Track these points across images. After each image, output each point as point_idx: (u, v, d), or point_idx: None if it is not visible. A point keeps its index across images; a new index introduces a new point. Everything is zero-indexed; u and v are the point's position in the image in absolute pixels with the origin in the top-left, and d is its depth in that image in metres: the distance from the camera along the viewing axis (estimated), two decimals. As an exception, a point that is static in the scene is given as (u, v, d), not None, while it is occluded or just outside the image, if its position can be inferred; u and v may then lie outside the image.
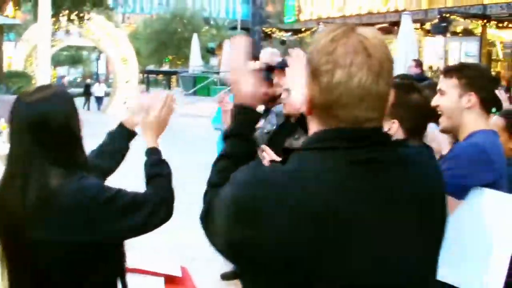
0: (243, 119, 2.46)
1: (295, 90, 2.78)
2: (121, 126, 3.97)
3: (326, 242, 1.89)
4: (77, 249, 2.87)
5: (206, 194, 2.32)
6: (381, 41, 2.01)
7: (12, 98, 15.43)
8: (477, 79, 3.83)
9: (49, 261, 2.89)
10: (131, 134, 4.01)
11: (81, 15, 23.08)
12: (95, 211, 2.87)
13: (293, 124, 5.25)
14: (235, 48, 2.55)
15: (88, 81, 46.50)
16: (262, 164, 2.12)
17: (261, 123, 5.78)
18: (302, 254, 1.89)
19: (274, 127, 5.52)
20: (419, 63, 15.73)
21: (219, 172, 2.36)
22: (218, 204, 2.11)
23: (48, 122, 2.93)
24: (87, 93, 44.77)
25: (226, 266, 8.59)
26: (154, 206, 3.08)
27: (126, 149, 4.01)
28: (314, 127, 2.08)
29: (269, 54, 7.53)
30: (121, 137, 3.96)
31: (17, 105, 3.01)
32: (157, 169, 3.34)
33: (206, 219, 2.22)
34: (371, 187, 1.96)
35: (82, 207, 2.84)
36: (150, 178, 3.31)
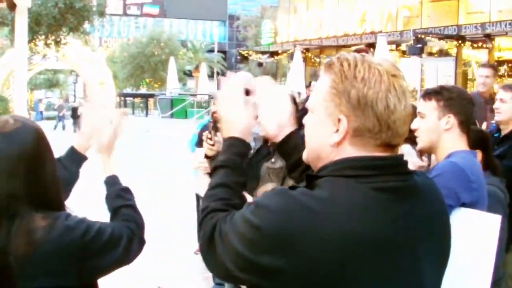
0: (237, 151, 2.45)
1: (266, 119, 2.72)
2: (72, 150, 3.71)
3: (359, 269, 1.92)
4: None
5: (205, 220, 2.26)
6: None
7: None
8: (455, 101, 3.89)
9: None
10: (83, 159, 3.78)
11: (58, 39, 23.04)
12: (82, 252, 2.74)
13: (270, 148, 5.33)
14: (230, 84, 2.56)
15: (76, 104, 46.30)
16: (289, 190, 2.05)
17: None
18: (334, 281, 1.92)
19: (252, 151, 5.53)
20: None
21: (219, 200, 2.31)
22: (231, 231, 2.08)
23: (37, 157, 2.78)
24: (75, 116, 44.54)
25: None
26: (128, 239, 3.02)
27: (77, 177, 3.76)
28: (344, 153, 2.10)
29: (245, 78, 7.54)
30: (72, 163, 3.70)
31: None
32: (121, 200, 3.21)
33: (209, 245, 2.18)
34: (400, 214, 2.01)
35: (70, 250, 2.70)
36: (116, 210, 3.21)
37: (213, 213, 2.24)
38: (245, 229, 2.02)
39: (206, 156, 5.31)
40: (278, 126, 2.68)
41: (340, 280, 1.91)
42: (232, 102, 2.50)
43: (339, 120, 2.07)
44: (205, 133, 5.19)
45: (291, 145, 2.74)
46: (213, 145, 5.18)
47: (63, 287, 2.73)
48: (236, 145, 2.45)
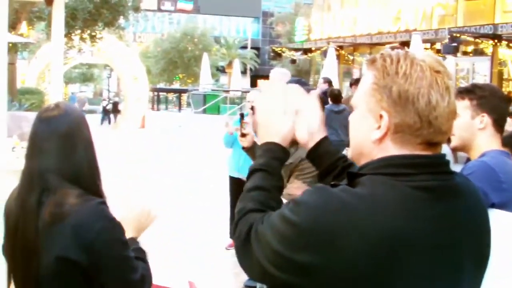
0: (275, 156, 2.40)
1: (297, 126, 2.57)
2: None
3: (397, 267, 1.92)
4: (79, 269, 2.90)
5: (241, 220, 2.24)
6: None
7: (24, 114, 15.44)
8: (489, 100, 3.82)
9: (55, 279, 2.93)
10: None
11: (93, 34, 23.17)
12: (102, 234, 2.91)
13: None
14: (271, 89, 2.53)
15: (117, 99, 46.54)
16: (329, 187, 2.04)
17: None
18: (371, 278, 1.91)
19: None
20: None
21: (255, 201, 2.28)
22: (268, 229, 2.06)
23: (74, 138, 3.05)
24: (116, 111, 44.74)
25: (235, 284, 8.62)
26: (140, 271, 3.07)
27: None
28: (386, 150, 2.09)
29: (280, 75, 7.59)
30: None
31: (38, 122, 3.09)
32: (138, 253, 3.21)
33: (245, 245, 2.16)
34: (439, 214, 2.00)
35: (93, 229, 2.88)
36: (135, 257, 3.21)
37: (250, 214, 2.22)
38: (283, 227, 2.00)
39: (243, 148, 5.37)
40: (308, 133, 2.60)
41: (378, 278, 1.91)
42: (272, 107, 2.46)
43: (380, 116, 2.06)
44: (232, 124, 5.22)
45: (322, 152, 2.66)
46: (244, 135, 5.24)
47: (76, 263, 2.88)
48: (274, 150, 2.40)
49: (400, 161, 2.04)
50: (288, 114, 2.45)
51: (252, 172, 2.38)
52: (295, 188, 5.11)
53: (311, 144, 2.63)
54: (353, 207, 1.93)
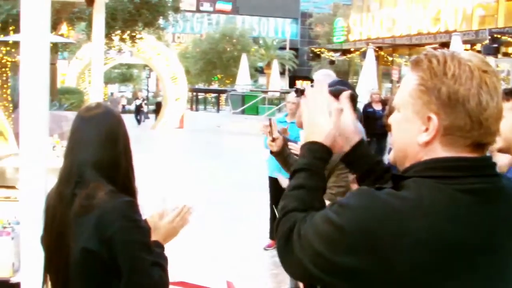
0: (319, 156, 2.37)
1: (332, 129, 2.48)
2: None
3: (442, 271, 1.89)
4: (101, 261, 2.97)
5: (283, 220, 2.22)
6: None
7: (64, 114, 15.57)
8: None
9: (81, 270, 3.01)
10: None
11: (133, 34, 23.30)
12: (121, 233, 2.97)
13: None
14: (317, 90, 2.49)
15: (139, 101, 46.78)
16: (374, 190, 2.02)
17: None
18: (416, 282, 1.90)
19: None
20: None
21: (298, 201, 2.25)
22: (311, 230, 2.05)
23: (116, 135, 3.16)
24: (140, 111, 44.96)
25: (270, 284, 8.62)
26: (156, 275, 3.10)
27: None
28: (433, 152, 2.06)
29: (323, 76, 7.58)
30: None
31: (79, 119, 3.19)
32: (158, 258, 3.21)
33: (287, 244, 2.14)
34: (486, 217, 1.97)
35: (112, 226, 2.95)
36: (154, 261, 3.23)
37: (292, 213, 2.19)
38: (327, 229, 1.99)
39: (271, 152, 5.38)
40: (344, 138, 2.57)
41: (422, 282, 1.90)
42: (317, 108, 2.43)
43: (428, 118, 2.02)
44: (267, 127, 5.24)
45: (359, 155, 2.63)
46: (273, 140, 5.25)
47: (98, 255, 2.96)
48: (318, 149, 2.37)
49: (446, 164, 2.01)
50: (332, 115, 2.42)
51: (295, 171, 2.35)
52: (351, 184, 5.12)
53: (346, 148, 2.60)
54: (398, 210, 1.92)
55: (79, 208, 2.98)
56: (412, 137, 2.08)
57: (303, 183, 2.29)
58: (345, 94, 2.62)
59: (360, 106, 19.87)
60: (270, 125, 5.21)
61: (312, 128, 2.42)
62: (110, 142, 3.12)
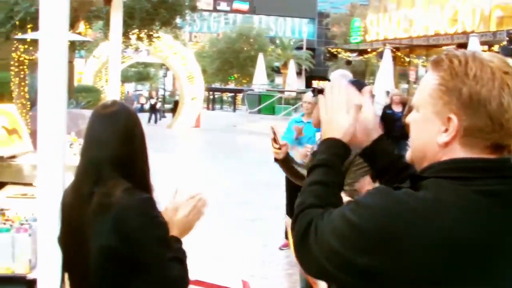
0: (337, 152, 2.37)
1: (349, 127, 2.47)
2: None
3: (460, 273, 1.89)
4: (120, 259, 2.99)
5: (300, 215, 2.19)
6: None
7: (81, 112, 15.62)
8: None
9: (100, 267, 3.02)
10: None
11: (150, 33, 23.30)
12: (140, 230, 2.99)
13: None
14: (336, 88, 2.49)
15: (154, 100, 46.90)
16: (392, 190, 2.01)
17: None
18: (433, 283, 1.89)
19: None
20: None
21: (315, 196, 2.24)
22: (328, 228, 2.04)
23: (132, 133, 3.18)
24: (154, 110, 45.06)
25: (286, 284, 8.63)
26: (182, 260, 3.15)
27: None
28: (452, 153, 2.04)
29: (339, 76, 7.59)
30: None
31: (95, 117, 3.21)
32: (178, 253, 3.22)
33: (303, 240, 2.12)
34: (503, 219, 1.95)
35: (131, 223, 2.97)
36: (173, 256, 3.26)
37: (309, 209, 2.17)
38: (344, 227, 1.98)
39: (275, 160, 5.40)
40: (364, 133, 2.54)
41: (438, 282, 1.89)
42: (336, 105, 2.43)
43: (448, 119, 2.01)
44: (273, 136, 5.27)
45: (379, 150, 2.59)
46: (279, 148, 5.28)
47: (117, 252, 2.98)
48: (336, 146, 2.36)
49: (465, 165, 2.00)
50: (350, 112, 2.42)
51: (313, 167, 2.34)
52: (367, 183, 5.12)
53: (366, 143, 2.57)
54: (416, 211, 1.90)
55: (97, 207, 3.00)
56: (431, 137, 2.07)
57: (321, 179, 2.28)
58: (367, 89, 2.63)
59: (376, 106, 19.86)
60: (274, 133, 5.25)
61: (330, 125, 2.41)
62: (126, 140, 3.14)
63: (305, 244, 2.11)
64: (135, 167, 3.17)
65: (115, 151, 3.10)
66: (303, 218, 2.16)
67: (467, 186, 1.95)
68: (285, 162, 5.39)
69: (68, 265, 3.27)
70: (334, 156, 2.35)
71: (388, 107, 17.76)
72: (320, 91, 2.78)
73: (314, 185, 2.27)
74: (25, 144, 6.85)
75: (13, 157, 7.03)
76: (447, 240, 1.87)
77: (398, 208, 1.93)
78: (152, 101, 46.46)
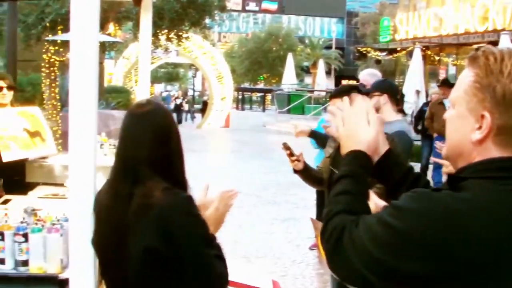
0: (362, 163, 2.34)
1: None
2: None
3: (502, 273, 1.85)
4: (163, 260, 3.00)
5: (330, 223, 2.16)
6: None
7: (111, 112, 15.67)
8: None
9: (142, 269, 3.02)
10: None
11: (180, 34, 23.40)
12: (184, 229, 3.01)
13: None
14: (355, 102, 2.46)
15: (180, 100, 47.14)
16: (432, 192, 1.97)
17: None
18: (478, 283, 1.86)
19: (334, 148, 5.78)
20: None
21: (344, 204, 2.20)
22: (364, 234, 2.00)
23: (167, 132, 3.18)
24: (180, 110, 45.23)
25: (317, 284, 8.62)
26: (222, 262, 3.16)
27: None
28: (486, 152, 2.01)
29: (369, 76, 7.59)
30: None
31: (130, 116, 3.21)
32: (217, 250, 3.23)
33: (336, 247, 2.08)
34: None
35: (175, 223, 2.98)
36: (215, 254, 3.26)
37: (339, 217, 2.14)
38: (385, 233, 1.94)
39: (295, 171, 5.45)
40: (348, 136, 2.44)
41: (484, 283, 1.85)
42: (357, 118, 2.40)
43: (482, 116, 1.98)
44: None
45: (390, 165, 2.52)
46: (297, 160, 5.33)
47: (161, 254, 2.99)
48: (360, 157, 2.33)
49: (502, 164, 1.97)
50: (372, 125, 2.40)
51: (339, 178, 2.31)
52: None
53: (376, 157, 2.48)
54: (459, 212, 1.88)
55: (138, 208, 3.00)
56: (465, 134, 2.04)
57: (349, 189, 2.25)
58: (370, 102, 2.58)
59: (406, 105, 19.78)
60: (288, 148, 5.33)
61: (352, 138, 2.39)
62: (162, 139, 3.14)
63: (340, 252, 2.07)
64: (172, 166, 3.17)
65: (152, 150, 3.10)
66: (334, 225, 2.13)
67: (506, 185, 1.92)
68: (305, 171, 5.44)
69: (105, 267, 3.28)
70: (359, 167, 2.32)
71: (426, 104, 17.69)
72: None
73: (341, 195, 2.24)
74: (48, 147, 6.86)
75: (44, 158, 7.07)
76: (489, 241, 1.84)
77: (441, 210, 1.89)
78: (178, 101, 46.62)
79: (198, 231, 3.05)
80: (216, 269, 3.08)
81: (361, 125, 2.39)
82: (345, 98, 2.51)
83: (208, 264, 3.05)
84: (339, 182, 2.29)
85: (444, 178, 5.29)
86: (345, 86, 6.24)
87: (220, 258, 3.13)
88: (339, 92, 5.77)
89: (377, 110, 5.63)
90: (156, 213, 2.94)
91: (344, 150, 2.41)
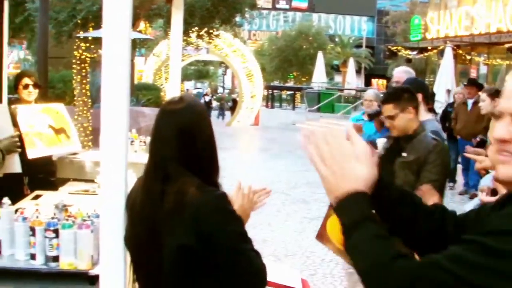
0: (368, 203, 2.05)
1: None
2: None
3: None
4: (198, 258, 2.99)
5: (384, 275, 1.86)
6: None
7: (141, 109, 15.76)
8: None
9: (177, 267, 3.02)
10: None
11: (210, 31, 23.44)
12: (221, 226, 3.00)
13: (400, 143, 5.51)
14: (333, 137, 2.16)
15: (208, 97, 47.35)
16: None
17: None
18: None
19: (383, 149, 5.82)
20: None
21: (386, 249, 1.91)
22: (463, 271, 1.73)
23: (195, 130, 3.15)
24: (208, 107, 45.42)
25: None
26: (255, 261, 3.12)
27: None
28: None
29: (403, 73, 7.58)
30: None
31: (162, 114, 3.21)
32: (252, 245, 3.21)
33: None
34: None
35: (212, 220, 2.97)
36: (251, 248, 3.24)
37: (392, 265, 1.85)
38: (496, 263, 1.70)
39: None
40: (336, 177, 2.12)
41: None
42: (341, 154, 2.12)
43: None
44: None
45: (387, 188, 2.26)
46: None
47: (195, 252, 2.98)
48: (364, 197, 2.05)
49: None
50: (365, 159, 2.12)
51: (354, 227, 2.01)
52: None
53: (370, 190, 2.13)
54: None
55: (172, 205, 2.99)
56: None
57: (375, 233, 1.97)
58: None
59: (437, 105, 19.65)
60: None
61: (344, 177, 2.08)
62: (190, 136, 3.12)
63: None
64: (202, 164, 3.15)
65: (181, 148, 3.10)
66: (393, 276, 1.85)
67: None
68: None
69: (137, 265, 3.28)
70: (368, 209, 2.05)
71: (450, 105, 17.54)
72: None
73: (373, 241, 1.96)
74: (73, 143, 6.88)
75: (74, 154, 7.11)
76: None
77: None
78: (207, 98, 46.73)
79: (233, 228, 3.04)
80: (255, 264, 3.08)
81: (349, 161, 2.11)
82: (318, 133, 2.21)
83: (247, 259, 3.05)
84: (356, 232, 1.99)
85: (488, 180, 5.20)
86: (397, 89, 6.15)
87: (256, 252, 3.13)
88: (392, 97, 5.70)
89: (393, 117, 5.61)
90: (192, 212, 2.94)
91: (333, 191, 2.10)
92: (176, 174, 3.05)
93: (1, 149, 5.63)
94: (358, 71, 65.62)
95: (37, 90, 7.08)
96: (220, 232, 2.97)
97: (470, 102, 14.75)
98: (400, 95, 5.63)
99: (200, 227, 2.93)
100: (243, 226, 3.12)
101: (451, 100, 18.47)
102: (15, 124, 6.09)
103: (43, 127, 6.46)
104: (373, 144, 6.31)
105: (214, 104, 49.04)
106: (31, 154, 6.12)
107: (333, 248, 3.35)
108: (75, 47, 17.99)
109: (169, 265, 3.00)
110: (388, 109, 5.64)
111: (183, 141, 3.10)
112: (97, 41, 16.73)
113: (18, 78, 7.14)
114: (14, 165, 5.90)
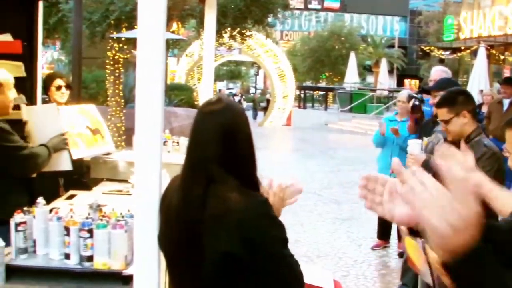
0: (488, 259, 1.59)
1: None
2: None
3: None
4: (241, 265, 2.96)
5: None
6: None
7: (173, 110, 15.77)
8: None
9: (217, 271, 2.98)
10: None
11: (243, 32, 23.42)
12: (265, 232, 2.98)
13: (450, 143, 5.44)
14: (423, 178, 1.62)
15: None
16: None
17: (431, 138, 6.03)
18: None
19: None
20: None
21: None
22: None
23: (235, 130, 3.13)
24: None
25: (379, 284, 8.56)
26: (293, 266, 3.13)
27: None
28: None
29: (441, 72, 7.56)
30: None
31: (201, 115, 3.19)
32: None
33: None
34: None
35: (256, 227, 2.96)
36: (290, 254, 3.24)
37: None
38: None
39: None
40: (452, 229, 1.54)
41: None
42: (437, 195, 1.57)
43: None
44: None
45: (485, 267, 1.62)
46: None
47: (239, 258, 2.95)
48: (483, 249, 1.58)
49: None
50: (464, 195, 1.55)
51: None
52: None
53: (457, 248, 1.57)
54: None
55: (215, 211, 2.95)
56: None
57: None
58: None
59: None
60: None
61: (457, 226, 1.53)
62: (230, 138, 3.10)
63: None
64: (242, 166, 3.13)
65: (220, 150, 3.06)
66: None
67: None
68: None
69: (172, 267, 3.26)
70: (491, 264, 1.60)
71: (479, 106, 17.36)
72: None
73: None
74: (107, 144, 6.91)
75: (108, 154, 7.14)
76: None
77: None
78: (236, 99, 46.82)
79: (277, 234, 3.03)
80: (295, 271, 3.07)
81: (448, 201, 1.55)
82: (405, 172, 1.70)
83: (288, 265, 3.04)
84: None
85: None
86: (451, 92, 5.75)
87: (293, 258, 3.12)
88: (446, 100, 5.49)
89: (447, 122, 5.46)
90: (236, 218, 2.91)
91: (440, 240, 1.56)
92: (217, 176, 3.02)
93: (48, 147, 5.67)
94: (390, 72, 65.35)
95: (68, 92, 7.11)
96: (264, 238, 2.95)
97: (506, 101, 14.42)
98: (455, 99, 5.48)
99: (245, 233, 2.90)
100: (285, 232, 3.08)
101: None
102: None
103: (82, 128, 6.50)
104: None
105: (245, 105, 49.13)
106: (75, 154, 6.14)
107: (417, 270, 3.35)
108: (108, 47, 18.07)
109: (211, 269, 2.97)
110: (442, 113, 5.50)
111: (224, 141, 3.07)
112: (131, 41, 16.78)
113: (49, 79, 7.15)
114: (64, 162, 5.94)
